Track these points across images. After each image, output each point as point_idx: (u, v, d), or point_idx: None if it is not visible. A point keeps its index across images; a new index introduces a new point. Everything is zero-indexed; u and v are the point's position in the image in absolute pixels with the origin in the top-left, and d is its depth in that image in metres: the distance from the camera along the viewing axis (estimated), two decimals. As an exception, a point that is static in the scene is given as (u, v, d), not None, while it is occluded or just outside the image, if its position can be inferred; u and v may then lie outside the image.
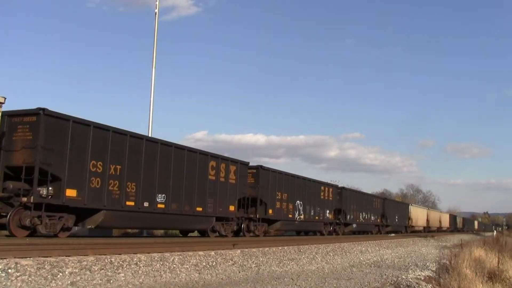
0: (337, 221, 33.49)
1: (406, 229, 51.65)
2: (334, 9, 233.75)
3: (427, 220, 62.16)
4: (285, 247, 16.56)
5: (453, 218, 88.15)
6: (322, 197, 30.81)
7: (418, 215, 58.03)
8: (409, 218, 53.13)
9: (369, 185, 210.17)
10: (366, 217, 39.73)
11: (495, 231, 69.35)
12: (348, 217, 35.08)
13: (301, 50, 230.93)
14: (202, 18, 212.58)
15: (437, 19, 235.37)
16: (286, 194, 25.89)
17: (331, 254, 17.67)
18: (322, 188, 31.31)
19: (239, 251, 13.82)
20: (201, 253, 12.28)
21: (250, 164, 23.32)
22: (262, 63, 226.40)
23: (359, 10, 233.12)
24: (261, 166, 24.01)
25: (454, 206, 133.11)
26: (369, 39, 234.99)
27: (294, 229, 29.75)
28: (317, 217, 29.93)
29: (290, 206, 26.48)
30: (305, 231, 31.40)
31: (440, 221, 70.42)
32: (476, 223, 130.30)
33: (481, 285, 11.42)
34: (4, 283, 7.29)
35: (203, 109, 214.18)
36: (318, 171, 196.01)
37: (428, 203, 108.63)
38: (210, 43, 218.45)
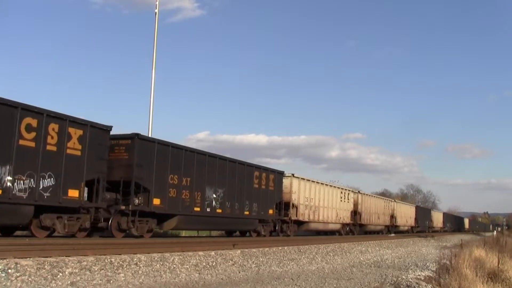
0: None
1: (273, 228, 25.31)
2: (335, 11, 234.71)
3: (356, 213, 36.77)
4: (285, 247, 16.73)
5: (423, 212, 61.88)
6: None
7: (322, 200, 30.58)
8: (290, 205, 26.49)
9: (370, 185, 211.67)
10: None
11: (495, 231, 68.24)
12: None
13: (303, 51, 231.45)
14: (207, 20, 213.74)
15: (437, 19, 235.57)
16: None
17: (331, 254, 17.77)
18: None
19: (239, 251, 13.94)
20: (201, 253, 12.36)
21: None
22: (264, 64, 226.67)
23: (360, 12, 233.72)
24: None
25: (455, 206, 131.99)
26: (370, 40, 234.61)
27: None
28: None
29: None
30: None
31: (393, 217, 46.41)
32: (466, 221, 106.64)
33: (481, 285, 11.66)
34: (4, 283, 7.32)
35: (205, 109, 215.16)
36: (319, 171, 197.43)
37: (428, 203, 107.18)
38: (212, 45, 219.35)
